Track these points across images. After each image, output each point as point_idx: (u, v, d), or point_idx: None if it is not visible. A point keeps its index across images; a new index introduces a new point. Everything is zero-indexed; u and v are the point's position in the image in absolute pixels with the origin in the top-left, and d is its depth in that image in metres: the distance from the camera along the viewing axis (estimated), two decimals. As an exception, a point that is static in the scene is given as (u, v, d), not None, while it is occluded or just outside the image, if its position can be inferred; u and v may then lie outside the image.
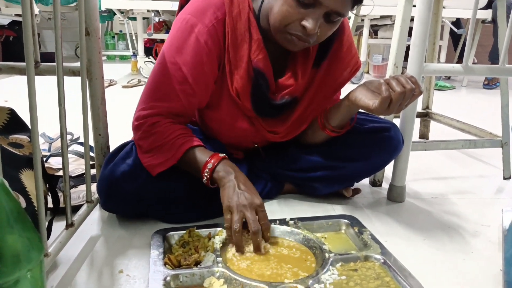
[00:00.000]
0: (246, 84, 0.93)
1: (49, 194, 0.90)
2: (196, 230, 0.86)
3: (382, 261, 0.79)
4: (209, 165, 0.86)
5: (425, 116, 1.77)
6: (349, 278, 0.74)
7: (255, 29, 0.91)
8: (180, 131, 0.90)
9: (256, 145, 1.09)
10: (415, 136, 1.74)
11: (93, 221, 0.97)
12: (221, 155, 0.88)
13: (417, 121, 1.75)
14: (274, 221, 0.91)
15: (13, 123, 0.98)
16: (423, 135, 1.80)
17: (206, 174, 0.87)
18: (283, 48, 0.92)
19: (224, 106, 0.97)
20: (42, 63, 0.97)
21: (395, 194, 1.13)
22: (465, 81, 3.77)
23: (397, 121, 1.10)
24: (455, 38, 3.92)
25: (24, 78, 0.64)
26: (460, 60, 3.89)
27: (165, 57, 0.89)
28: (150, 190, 0.91)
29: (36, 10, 3.25)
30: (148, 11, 3.39)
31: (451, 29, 3.55)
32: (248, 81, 0.93)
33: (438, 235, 0.95)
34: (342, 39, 1.00)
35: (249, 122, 1.00)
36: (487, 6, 3.23)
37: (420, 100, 1.30)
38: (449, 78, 4.05)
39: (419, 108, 1.73)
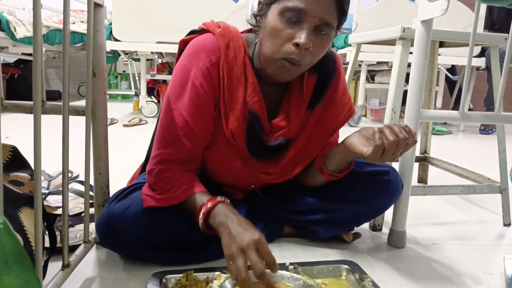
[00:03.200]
0: (241, 125, 0.95)
1: (47, 233, 0.89)
2: (194, 274, 0.84)
3: (384, 309, 0.77)
4: (203, 209, 0.86)
5: (423, 160, 1.78)
6: (350, 326, 0.72)
7: (250, 73, 0.94)
8: (189, 178, 0.92)
9: (252, 186, 1.09)
10: (414, 181, 1.75)
11: (89, 262, 0.95)
12: (219, 198, 0.87)
13: (416, 165, 1.76)
14: (273, 265, 0.90)
15: (15, 160, 0.99)
16: (422, 179, 1.80)
17: (200, 220, 0.86)
18: (278, 90, 0.95)
19: (219, 146, 0.99)
20: (48, 102, 0.98)
21: (396, 239, 1.12)
22: (462, 126, 3.83)
23: (396, 165, 1.11)
24: (450, 84, 4.01)
25: (25, 116, 0.65)
26: (456, 105, 3.97)
27: (168, 104, 0.94)
28: (149, 232, 0.90)
29: (42, 50, 3.34)
30: (152, 53, 3.48)
31: (446, 75, 3.65)
32: (243, 123, 0.95)
33: (439, 283, 0.93)
34: (338, 84, 1.02)
35: (243, 163, 1.01)
36: (481, 54, 3.34)
37: (418, 145, 1.32)
38: (445, 123, 4.11)
39: (417, 153, 1.75)
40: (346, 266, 0.93)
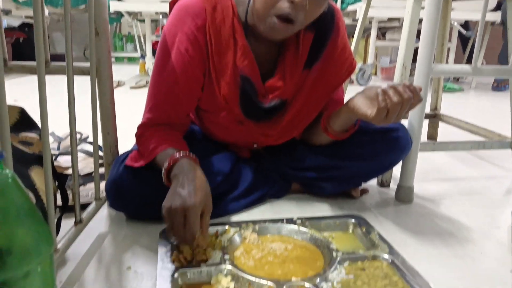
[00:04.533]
0: (233, 90, 0.93)
1: (58, 191, 0.91)
2: (204, 228, 0.86)
3: (390, 260, 0.78)
4: (165, 164, 0.83)
5: (434, 117, 1.76)
6: (356, 277, 0.74)
7: (240, 35, 0.90)
8: (161, 137, 0.90)
9: (255, 146, 1.08)
10: (423, 137, 1.73)
11: (101, 219, 0.97)
12: (181, 154, 0.84)
13: (426, 122, 1.75)
14: (281, 220, 0.92)
15: (24, 121, 1.00)
16: (432, 136, 1.79)
17: (163, 172, 0.84)
18: (272, 49, 0.92)
19: (216, 110, 0.98)
20: (52, 62, 0.98)
21: (403, 195, 1.13)
22: (474, 83, 3.75)
23: (405, 122, 1.09)
24: (463, 41, 3.89)
25: (32, 78, 0.65)
26: (468, 62, 3.87)
27: (154, 69, 0.93)
28: (157, 189, 0.91)
29: (46, 12, 3.28)
30: (156, 13, 3.41)
31: (459, 31, 3.53)
32: (235, 87, 0.93)
33: (446, 236, 0.94)
34: (336, 41, 0.97)
35: (241, 126, 1.00)
36: (496, 8, 3.21)
37: (428, 102, 1.30)
38: (457, 80, 4.03)
39: (427, 110, 1.72)
40: (353, 220, 0.94)
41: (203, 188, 0.77)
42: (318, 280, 0.71)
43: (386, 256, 0.79)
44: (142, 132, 0.94)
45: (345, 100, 0.96)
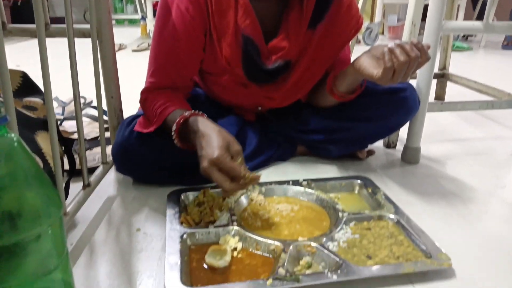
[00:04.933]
0: (235, 51, 0.91)
1: (65, 156, 0.91)
2: (211, 191, 0.87)
3: (396, 220, 0.79)
4: (174, 127, 0.82)
5: (442, 77, 1.73)
6: (362, 236, 0.75)
7: None
8: (162, 101, 0.88)
9: (259, 108, 1.07)
10: (431, 98, 1.71)
11: (109, 182, 0.98)
12: (188, 113, 0.82)
13: (433, 82, 1.71)
14: (287, 182, 0.92)
15: (26, 86, 0.99)
16: (439, 96, 1.76)
17: (175, 139, 0.83)
18: (275, 9, 0.89)
19: (219, 73, 0.96)
20: (52, 25, 0.95)
21: (410, 156, 1.12)
22: (483, 42, 3.65)
23: (413, 82, 1.07)
24: (474, -2, 3.76)
25: (33, 43, 0.64)
26: (478, 20, 3.76)
27: (155, 31, 0.90)
28: (164, 154, 0.91)
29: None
30: (156, -28, 3.30)
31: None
32: (237, 48, 0.91)
33: (452, 196, 0.94)
34: None
35: (244, 88, 0.98)
36: (510, -39, 3.07)
37: (436, 61, 1.26)
38: (466, 38, 3.93)
39: (435, 69, 1.69)
40: (359, 181, 0.94)
41: (220, 136, 0.75)
42: (324, 239, 0.72)
43: (391, 216, 0.80)
44: (146, 97, 0.93)
45: (352, 60, 0.94)
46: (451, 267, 0.66)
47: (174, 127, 0.82)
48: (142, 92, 0.94)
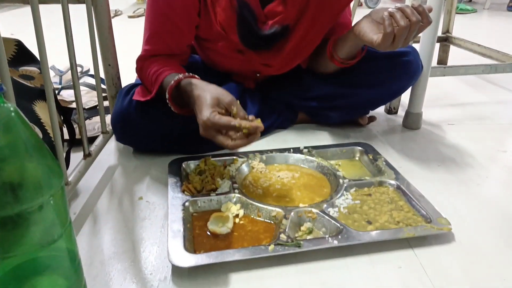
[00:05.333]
0: (230, 16, 0.88)
1: (64, 126, 0.91)
2: (212, 159, 0.87)
3: (396, 186, 0.79)
4: (167, 94, 0.81)
5: (445, 40, 1.69)
6: (363, 202, 0.75)
7: None
8: (157, 66, 0.87)
9: (258, 75, 1.05)
10: (433, 62, 1.68)
11: (110, 152, 0.98)
12: (182, 76, 0.80)
13: (436, 46, 1.68)
14: (288, 149, 0.92)
15: (21, 54, 0.97)
16: (442, 60, 1.73)
17: (169, 103, 0.83)
18: None
19: (215, 39, 0.94)
20: (45, -10, 0.93)
21: (411, 121, 1.12)
22: (488, 4, 3.56)
23: (416, 46, 1.05)
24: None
25: (28, 10, 0.62)
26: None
27: None
28: (164, 123, 0.91)
29: None
30: None
31: None
32: (232, 13, 0.88)
33: (453, 160, 0.94)
34: None
35: (241, 55, 0.96)
36: None
37: (440, 24, 1.23)
38: (470, 0, 3.83)
39: (439, 33, 1.65)
40: (360, 148, 0.94)
41: (209, 94, 0.73)
42: (325, 206, 0.73)
43: (392, 181, 0.80)
44: (141, 65, 0.91)
45: (353, 24, 0.91)
46: (450, 231, 0.67)
47: (167, 95, 0.81)
48: (138, 61, 0.92)
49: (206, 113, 0.71)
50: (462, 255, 0.64)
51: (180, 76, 0.80)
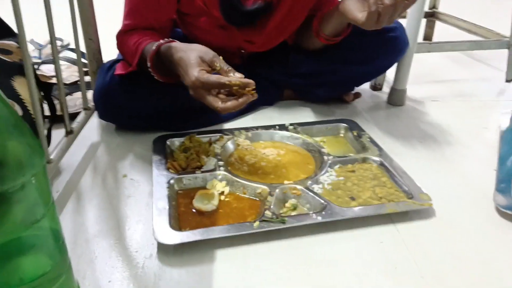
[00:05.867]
0: None
1: (45, 102, 0.88)
2: (197, 136, 0.86)
3: (379, 162, 0.80)
4: (148, 63, 0.79)
5: (431, 16, 1.69)
6: (346, 179, 0.76)
7: None
8: (136, 38, 0.85)
9: (242, 51, 1.04)
10: (419, 38, 1.68)
11: (92, 128, 0.96)
12: (155, 46, 0.78)
13: (422, 22, 1.68)
14: (273, 126, 0.92)
15: (-2, 27, 0.93)
16: (427, 36, 1.73)
17: (155, 76, 0.81)
18: None
19: (196, 13, 0.92)
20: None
21: (396, 98, 1.12)
22: (475, -22, 3.54)
23: (403, 22, 1.04)
24: None
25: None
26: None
27: None
28: (147, 100, 0.89)
29: None
30: None
31: None
32: None
33: (435, 137, 0.96)
34: None
35: (224, 31, 0.94)
36: None
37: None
38: (458, -25, 3.80)
39: (425, 8, 1.64)
40: (345, 125, 0.94)
41: (191, 54, 0.72)
42: (309, 182, 0.73)
43: (375, 158, 0.81)
44: (121, 39, 0.89)
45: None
46: (431, 207, 0.69)
47: (148, 63, 0.79)
48: (118, 36, 0.90)
49: (193, 72, 0.69)
50: (442, 230, 0.66)
51: (161, 41, 0.78)
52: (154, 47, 0.78)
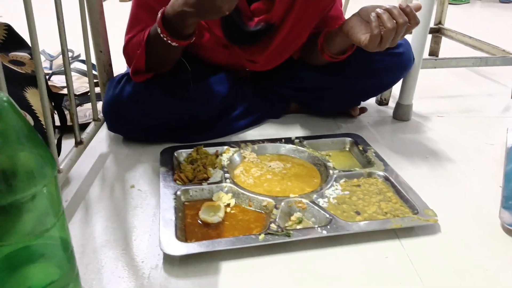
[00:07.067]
0: None
1: (55, 112, 0.90)
2: (204, 148, 0.87)
3: (385, 177, 0.81)
4: (159, 30, 0.77)
5: (437, 32, 1.70)
6: (352, 193, 0.76)
7: None
8: (138, 37, 0.86)
9: (247, 69, 1.05)
10: (425, 53, 1.69)
11: (101, 139, 0.98)
12: (159, 14, 0.77)
13: (428, 37, 1.69)
14: (279, 139, 0.93)
15: (12, 39, 0.95)
16: (433, 52, 1.75)
17: (173, 43, 0.79)
18: None
19: (199, 33, 0.92)
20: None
21: (401, 113, 1.13)
22: (481, -5, 3.57)
23: (408, 38, 1.05)
24: None
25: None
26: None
27: None
28: (157, 113, 0.91)
29: None
30: None
31: None
32: None
33: (441, 152, 0.96)
34: None
35: (226, 50, 0.95)
36: None
37: (432, 16, 1.23)
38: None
39: (431, 24, 1.66)
40: (350, 139, 0.95)
41: None
42: (315, 196, 0.74)
43: (381, 173, 0.81)
44: (127, 50, 0.90)
45: (347, 14, 0.91)
46: (437, 222, 0.69)
47: (159, 30, 0.77)
48: (123, 50, 0.91)
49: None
50: (447, 246, 0.66)
51: (160, 13, 0.77)
52: (158, 16, 0.77)
